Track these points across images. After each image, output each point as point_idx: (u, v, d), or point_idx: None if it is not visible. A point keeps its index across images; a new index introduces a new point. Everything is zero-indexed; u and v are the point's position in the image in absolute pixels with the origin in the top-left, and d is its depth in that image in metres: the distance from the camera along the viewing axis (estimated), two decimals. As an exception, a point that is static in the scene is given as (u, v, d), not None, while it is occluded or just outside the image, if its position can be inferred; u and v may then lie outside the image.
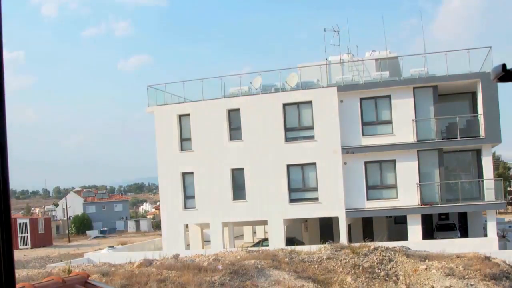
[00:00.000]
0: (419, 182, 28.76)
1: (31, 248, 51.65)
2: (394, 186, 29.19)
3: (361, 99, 29.59)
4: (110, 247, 37.76)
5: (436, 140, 28.55)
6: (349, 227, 30.59)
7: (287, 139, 30.16)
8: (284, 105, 30.20)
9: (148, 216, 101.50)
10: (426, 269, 16.66)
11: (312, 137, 29.79)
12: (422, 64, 29.73)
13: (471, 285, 15.21)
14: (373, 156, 29.24)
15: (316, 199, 29.60)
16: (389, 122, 29.34)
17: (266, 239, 33.16)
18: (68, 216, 74.08)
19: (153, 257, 19.64)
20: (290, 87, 31.20)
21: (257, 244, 31.12)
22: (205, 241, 33.15)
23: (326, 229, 32.13)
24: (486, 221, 28.87)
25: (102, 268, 16.91)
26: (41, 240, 54.75)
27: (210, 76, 39.12)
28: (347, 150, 29.20)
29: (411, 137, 28.86)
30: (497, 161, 66.68)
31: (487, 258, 18.47)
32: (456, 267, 16.71)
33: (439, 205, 28.44)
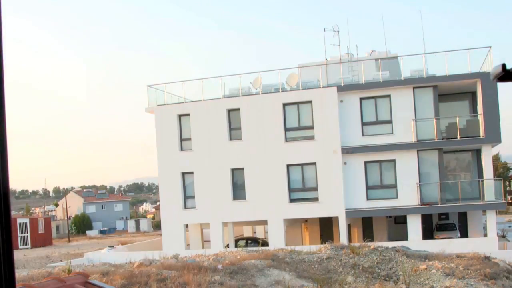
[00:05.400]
0: (419, 182, 28.78)
1: (31, 248, 51.64)
2: (394, 186, 29.20)
3: (361, 99, 29.60)
4: (110, 247, 37.75)
5: (436, 140, 28.56)
6: (349, 227, 30.61)
7: (287, 139, 30.17)
8: (284, 105, 30.21)
9: (148, 216, 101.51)
10: (426, 269, 16.67)
11: (312, 137, 29.80)
12: (422, 64, 29.76)
13: (471, 285, 15.21)
14: (373, 156, 29.25)
15: (316, 199, 29.61)
16: (389, 122, 29.35)
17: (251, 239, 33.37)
18: (68, 216, 74.10)
19: (153, 257, 19.64)
20: (290, 87, 31.21)
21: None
22: (205, 241, 33.16)
23: (326, 229, 32.15)
24: (486, 221, 28.90)
25: (102, 268, 16.91)
26: (41, 240, 54.73)
27: (210, 76, 39.17)
28: (347, 150, 29.22)
29: (411, 137, 28.87)
30: (496, 161, 66.70)
31: (487, 258, 18.50)
32: (456, 267, 16.72)
33: (439, 205, 28.45)
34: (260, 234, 37.14)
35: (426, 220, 30.84)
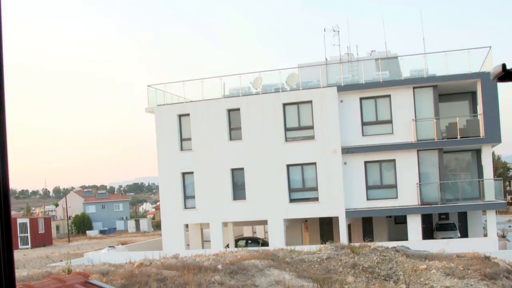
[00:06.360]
0: (419, 182, 28.77)
1: (31, 248, 51.64)
2: (394, 186, 29.20)
3: (361, 99, 29.60)
4: (110, 247, 37.75)
5: (436, 140, 28.56)
6: (349, 227, 30.60)
7: (287, 139, 30.17)
8: (284, 105, 30.22)
9: (148, 216, 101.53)
10: (426, 269, 16.67)
11: (312, 137, 29.80)
12: (422, 64, 29.76)
13: (471, 285, 15.21)
14: (373, 156, 29.25)
15: (316, 199, 29.61)
16: (389, 122, 29.35)
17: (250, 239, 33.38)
18: (68, 216, 74.10)
19: (153, 257, 19.64)
20: (290, 87, 31.21)
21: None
22: (205, 241, 33.16)
23: (326, 229, 32.15)
24: (486, 221, 28.89)
25: (102, 268, 16.91)
26: (41, 240, 54.74)
27: (210, 76, 39.18)
28: (347, 150, 29.22)
29: (411, 137, 28.87)
30: (497, 161, 66.71)
31: (487, 258, 18.48)
32: (456, 267, 16.72)
33: (439, 205, 28.45)
34: (260, 234, 37.14)
35: (426, 220, 30.84)
